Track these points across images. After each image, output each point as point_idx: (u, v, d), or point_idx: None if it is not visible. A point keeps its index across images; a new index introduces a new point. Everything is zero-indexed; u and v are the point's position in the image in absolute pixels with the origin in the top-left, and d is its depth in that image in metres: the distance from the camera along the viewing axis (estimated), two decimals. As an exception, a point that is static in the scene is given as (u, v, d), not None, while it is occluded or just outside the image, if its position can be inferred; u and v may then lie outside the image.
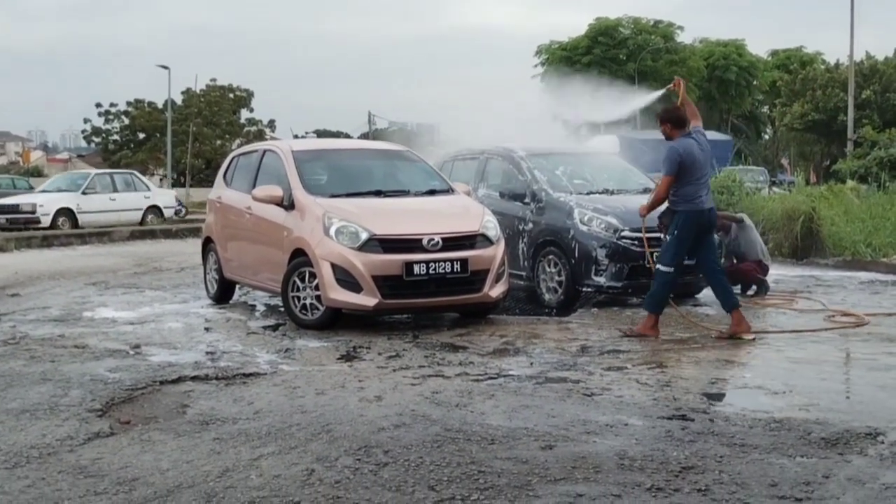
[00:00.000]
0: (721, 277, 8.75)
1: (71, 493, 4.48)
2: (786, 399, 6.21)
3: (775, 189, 26.99)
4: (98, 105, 64.41)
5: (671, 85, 9.34)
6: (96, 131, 65.80)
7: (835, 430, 5.39)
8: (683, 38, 60.84)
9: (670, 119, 8.63)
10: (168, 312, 10.23)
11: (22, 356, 7.75)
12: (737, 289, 11.32)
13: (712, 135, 30.17)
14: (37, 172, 73.29)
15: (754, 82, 61.24)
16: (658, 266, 8.67)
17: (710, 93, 59.93)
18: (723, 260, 11.26)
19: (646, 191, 11.32)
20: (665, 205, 8.61)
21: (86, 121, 66.03)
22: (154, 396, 6.43)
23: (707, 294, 11.03)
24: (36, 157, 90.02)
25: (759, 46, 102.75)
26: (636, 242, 10.12)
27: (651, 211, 8.90)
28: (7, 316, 9.99)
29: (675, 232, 8.52)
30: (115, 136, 65.78)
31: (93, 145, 72.31)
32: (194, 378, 6.91)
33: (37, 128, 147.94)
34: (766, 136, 70.94)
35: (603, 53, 56.39)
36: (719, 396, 6.31)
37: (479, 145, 12.46)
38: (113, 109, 64.48)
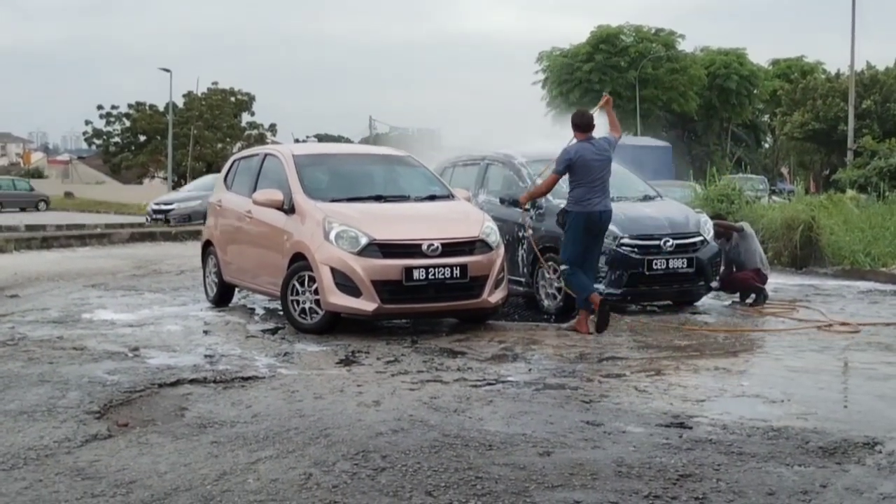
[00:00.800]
0: (581, 277, 9.29)
1: (68, 495, 4.48)
2: (784, 408, 6.21)
3: (775, 198, 26.98)
4: (100, 107, 64.55)
5: (602, 101, 10.15)
6: (97, 133, 65.89)
7: (833, 439, 5.39)
8: (685, 46, 60.85)
9: (574, 123, 9.49)
10: (167, 315, 10.23)
11: (20, 357, 7.74)
12: (735, 297, 11.37)
13: (649, 141, 30.11)
14: (37, 174, 73.36)
15: (755, 91, 61.25)
16: (560, 266, 9.60)
17: (710, 101, 59.96)
18: (722, 268, 11.28)
19: (646, 198, 11.34)
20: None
21: (87, 123, 66.14)
22: (152, 399, 6.43)
23: (705, 302, 11.05)
24: (37, 158, 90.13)
25: (760, 55, 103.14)
26: (636, 250, 10.14)
27: (530, 200, 10.20)
28: (6, 317, 9.98)
29: (567, 231, 9.39)
30: (117, 139, 65.87)
31: (94, 147, 72.37)
32: (193, 381, 6.91)
33: (38, 129, 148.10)
34: (767, 145, 70.98)
35: (604, 61, 56.39)
36: (717, 404, 6.31)
37: (479, 151, 12.47)
38: (114, 112, 64.59)
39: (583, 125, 9.42)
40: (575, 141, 9.39)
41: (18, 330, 9.16)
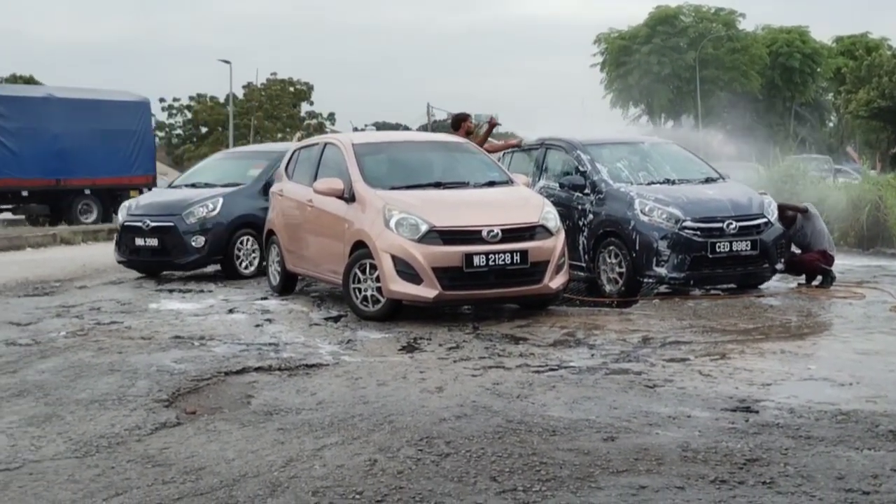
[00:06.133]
0: None
1: (139, 481, 4.57)
2: (852, 391, 6.11)
3: (840, 178, 26.48)
4: (161, 100, 65.38)
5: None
6: (160, 126, 66.65)
7: (903, 422, 5.29)
8: (745, 25, 59.97)
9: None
10: (232, 304, 10.36)
11: (90, 347, 7.91)
12: (801, 279, 11.19)
13: (118, 95, 27.27)
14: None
15: (818, 69, 60.15)
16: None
17: (773, 80, 59.02)
18: (794, 249, 11.13)
19: (708, 180, 11.22)
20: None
21: (150, 115, 67.04)
22: (219, 387, 6.53)
23: (771, 285, 10.90)
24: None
25: (824, 33, 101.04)
26: (698, 233, 10.03)
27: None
28: (75, 308, 10.20)
29: None
30: (179, 131, 66.72)
31: (156, 139, 73.45)
32: (258, 369, 7.00)
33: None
34: (831, 124, 69.67)
35: (663, 42, 55.76)
36: (784, 388, 6.22)
37: (538, 135, 12.43)
38: (176, 104, 65.39)
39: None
40: None
41: (88, 320, 9.35)
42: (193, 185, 13.79)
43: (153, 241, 12.74)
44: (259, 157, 14.23)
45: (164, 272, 13.25)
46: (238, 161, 14.75)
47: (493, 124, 13.14)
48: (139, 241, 12.84)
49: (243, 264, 12.79)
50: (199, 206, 12.72)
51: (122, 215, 13.38)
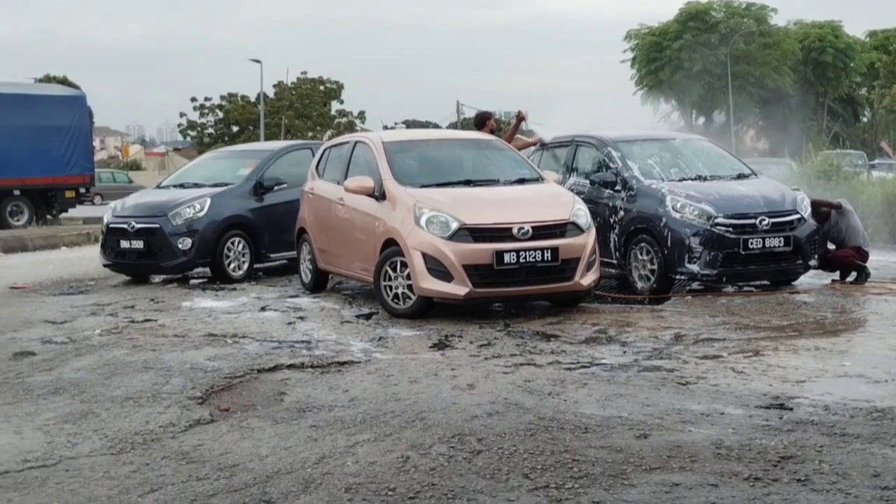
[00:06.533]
0: None
1: (174, 478, 4.61)
2: (888, 388, 6.06)
3: (874, 173, 26.22)
4: (193, 99, 65.67)
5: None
6: (192, 125, 67.12)
7: (940, 420, 5.24)
8: (777, 20, 59.30)
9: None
10: (264, 302, 10.41)
11: (125, 345, 7.99)
12: (835, 276, 11.09)
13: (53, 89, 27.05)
14: (135, 166, 75.28)
15: (851, 64, 59.41)
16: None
17: (805, 76, 58.36)
18: (829, 245, 11.04)
19: (740, 176, 11.14)
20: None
21: (181, 115, 67.42)
22: (252, 384, 6.57)
23: (804, 281, 10.81)
24: (134, 151, 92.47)
25: (856, 27, 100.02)
26: (731, 229, 9.97)
27: None
28: (110, 306, 10.29)
29: None
30: (210, 130, 67.02)
31: (188, 139, 73.87)
32: (290, 366, 7.04)
33: (134, 123, 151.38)
34: (865, 119, 68.90)
35: (694, 38, 55.32)
36: (818, 385, 6.18)
37: (568, 132, 12.40)
38: (207, 103, 65.70)
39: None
40: None
41: (122, 318, 9.43)
42: (182, 186, 13.31)
43: (139, 244, 12.28)
44: (249, 157, 13.85)
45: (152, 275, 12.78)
46: (228, 160, 14.28)
47: (520, 118, 13.18)
48: (124, 244, 12.37)
49: (232, 266, 12.32)
50: (186, 207, 12.25)
51: (107, 217, 12.97)
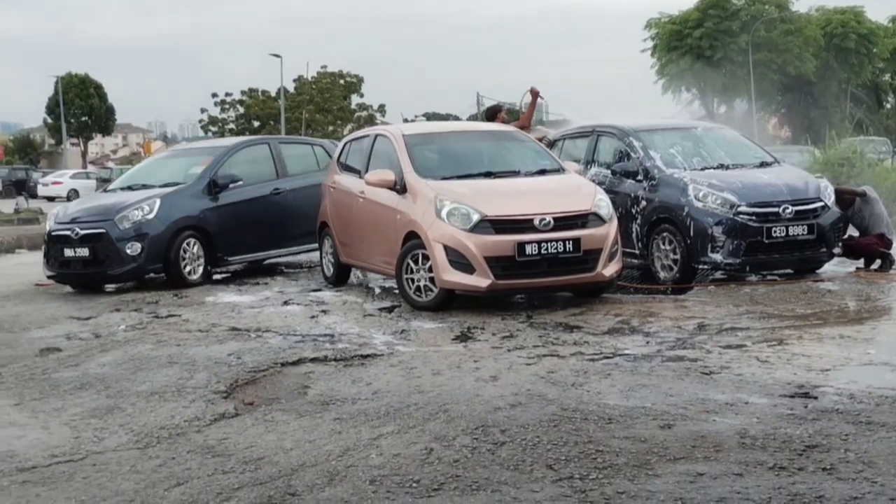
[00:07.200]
0: None
1: (200, 472, 4.65)
2: (914, 376, 6.01)
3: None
4: (214, 95, 65.93)
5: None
6: (213, 121, 67.37)
7: (967, 407, 5.19)
8: (799, 6, 58.85)
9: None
10: (287, 296, 10.46)
11: (149, 340, 8.04)
12: (859, 263, 11.01)
13: None
14: (157, 163, 75.39)
15: (874, 50, 58.92)
16: None
17: (827, 62, 57.93)
18: (847, 234, 10.95)
19: (763, 164, 11.08)
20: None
21: (202, 111, 67.71)
22: (276, 378, 6.60)
23: (828, 269, 10.75)
24: (156, 147, 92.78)
25: (879, 12, 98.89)
26: (754, 218, 9.92)
27: None
28: (134, 302, 10.36)
29: None
30: (231, 125, 67.24)
31: (210, 134, 74.15)
32: (314, 360, 7.06)
33: (156, 119, 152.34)
34: (889, 105, 68.30)
35: (715, 26, 55.01)
36: (843, 374, 6.14)
37: (588, 122, 12.36)
38: (228, 99, 65.92)
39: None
40: None
41: (146, 314, 9.50)
42: (130, 188, 12.50)
43: (84, 251, 11.43)
44: (203, 154, 13.14)
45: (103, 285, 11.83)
46: (180, 159, 13.61)
47: (535, 93, 12.97)
48: (68, 252, 11.51)
49: (188, 269, 11.59)
50: (134, 210, 11.47)
51: (49, 224, 12.16)
